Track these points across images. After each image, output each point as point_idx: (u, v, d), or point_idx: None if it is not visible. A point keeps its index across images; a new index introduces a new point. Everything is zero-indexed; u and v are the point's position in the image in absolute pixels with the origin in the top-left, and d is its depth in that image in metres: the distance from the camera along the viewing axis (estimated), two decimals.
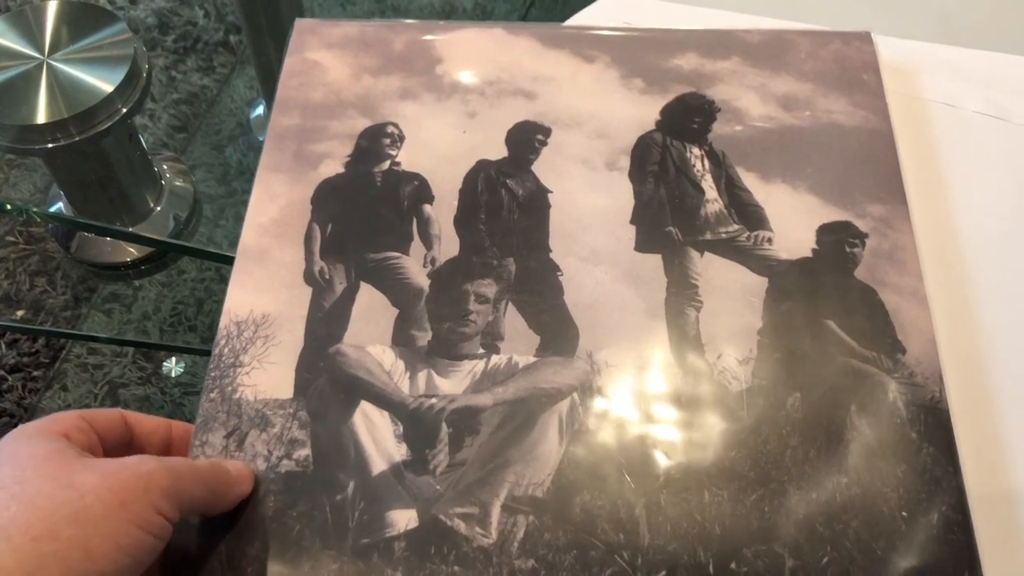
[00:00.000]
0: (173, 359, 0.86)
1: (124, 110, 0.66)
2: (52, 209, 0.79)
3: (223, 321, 0.45)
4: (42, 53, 0.67)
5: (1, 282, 0.91)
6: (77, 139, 0.64)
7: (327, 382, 0.42)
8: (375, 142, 0.51)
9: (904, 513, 0.38)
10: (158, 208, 0.79)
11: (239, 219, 0.88)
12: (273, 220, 0.48)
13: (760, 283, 0.45)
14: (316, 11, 1.14)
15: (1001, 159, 0.52)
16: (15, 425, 0.95)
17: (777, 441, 0.40)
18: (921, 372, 0.42)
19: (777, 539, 0.37)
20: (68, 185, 0.73)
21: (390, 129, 0.51)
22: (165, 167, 0.83)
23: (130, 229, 0.76)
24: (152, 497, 0.34)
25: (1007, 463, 0.41)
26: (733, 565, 0.37)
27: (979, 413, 0.42)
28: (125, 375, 0.89)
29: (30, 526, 0.32)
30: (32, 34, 0.68)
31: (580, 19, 0.60)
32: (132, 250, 0.79)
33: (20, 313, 0.90)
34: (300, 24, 0.56)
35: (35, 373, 0.93)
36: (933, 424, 0.40)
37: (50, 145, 0.64)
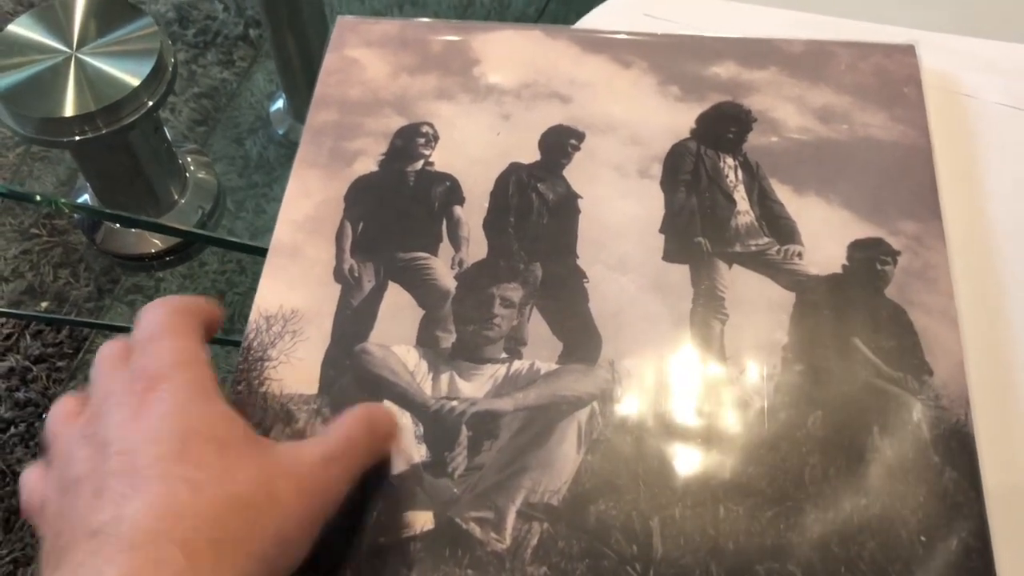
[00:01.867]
0: None
1: (150, 103, 0.68)
2: (78, 201, 0.81)
3: (253, 315, 0.45)
4: (70, 47, 0.69)
5: (25, 274, 0.93)
6: (104, 132, 0.66)
7: (352, 380, 0.43)
8: (410, 141, 0.51)
9: (923, 537, 0.38)
10: (183, 200, 0.81)
11: (259, 211, 0.90)
12: (307, 216, 0.49)
13: (788, 298, 0.44)
14: (335, 5, 1.15)
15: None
16: (40, 416, 0.97)
17: (796, 459, 0.39)
18: (947, 395, 0.41)
19: (791, 557, 0.37)
20: (95, 177, 0.75)
21: (425, 129, 0.52)
22: (189, 159, 0.84)
23: (155, 220, 0.77)
24: (340, 497, 0.33)
25: None
26: None
27: (1007, 438, 0.42)
28: None
29: (240, 541, 0.28)
30: (60, 28, 0.69)
31: (601, 11, 0.60)
32: (156, 241, 0.81)
33: (44, 304, 0.92)
34: (342, 22, 0.57)
35: (59, 363, 0.96)
36: (957, 448, 0.40)
37: (78, 138, 0.66)
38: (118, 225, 0.79)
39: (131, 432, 0.30)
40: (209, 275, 0.89)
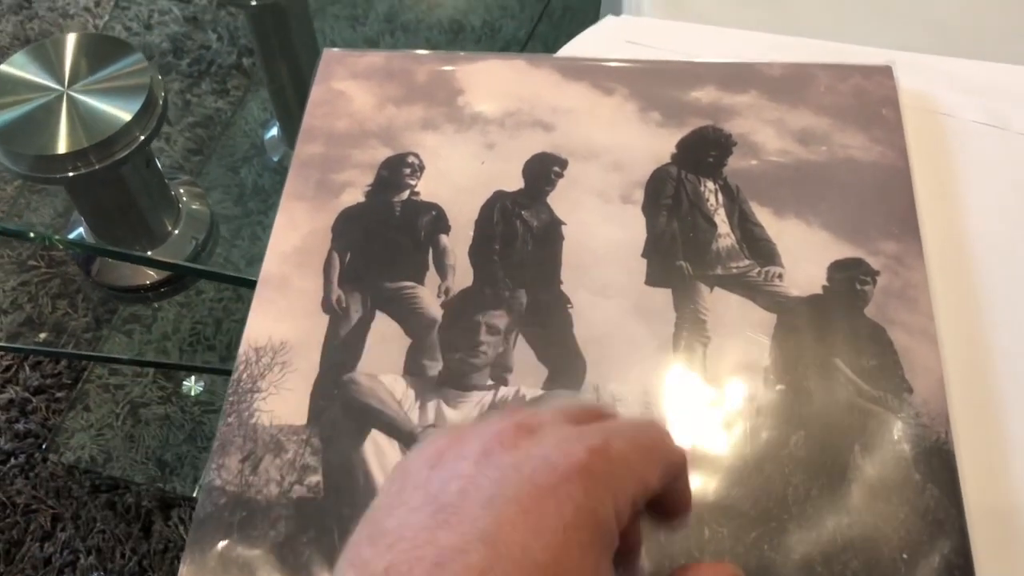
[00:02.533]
0: (192, 378, 0.88)
1: (142, 138, 0.69)
2: (73, 234, 0.82)
3: (242, 347, 0.46)
4: (62, 85, 0.70)
5: (24, 305, 0.94)
6: (97, 167, 0.67)
7: (340, 409, 0.43)
8: (395, 172, 0.52)
9: (905, 555, 0.38)
10: (176, 231, 0.82)
11: (255, 239, 0.91)
12: (295, 248, 0.50)
13: (769, 319, 0.45)
14: (327, 32, 1.16)
15: (1002, 168, 0.52)
16: (40, 446, 0.98)
17: (779, 479, 0.40)
18: (928, 412, 0.42)
19: None
20: (89, 212, 0.76)
21: (410, 159, 0.53)
22: (182, 191, 0.85)
23: (149, 253, 0.78)
24: None
25: (1014, 507, 0.41)
26: None
27: (987, 454, 0.42)
28: (146, 395, 0.92)
29: None
30: (52, 66, 0.71)
31: (584, 38, 0.61)
32: (152, 273, 0.82)
33: (43, 335, 0.93)
34: (328, 54, 0.58)
35: (58, 394, 0.97)
36: (938, 465, 0.40)
37: (71, 174, 0.67)
38: (112, 259, 0.80)
39: (510, 529, 0.25)
40: (206, 303, 0.90)
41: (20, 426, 0.98)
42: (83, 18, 1.43)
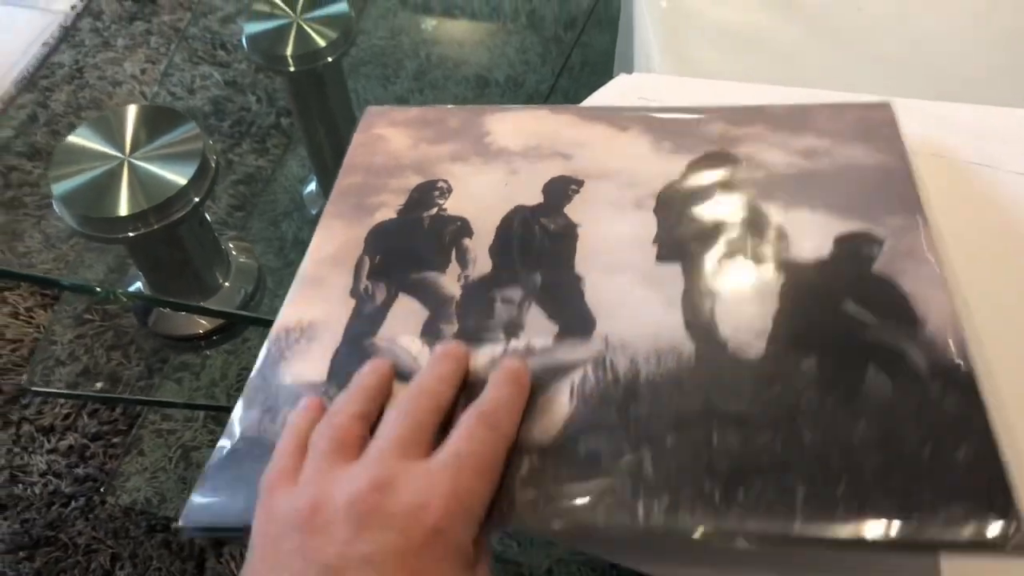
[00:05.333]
0: None
1: (196, 199, 0.76)
2: (131, 288, 0.87)
3: (274, 329, 0.49)
4: (123, 152, 0.79)
5: (81, 357, 0.99)
6: (156, 227, 0.74)
7: (357, 365, 0.45)
8: (426, 194, 0.56)
9: (927, 449, 0.37)
10: (227, 283, 0.87)
11: None
12: (330, 255, 0.53)
13: (777, 278, 0.46)
14: (360, 91, 1.23)
15: (996, 207, 0.53)
16: (98, 489, 0.99)
17: (792, 394, 0.40)
18: (941, 339, 0.41)
19: (789, 470, 0.37)
20: (147, 267, 0.82)
21: (440, 184, 0.57)
22: (231, 245, 0.91)
23: (202, 304, 0.83)
24: None
25: None
26: (741, 494, 0.36)
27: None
28: (197, 438, 0.94)
29: None
30: (114, 137, 0.80)
31: (598, 97, 0.65)
32: (204, 323, 0.86)
33: (99, 385, 0.97)
34: (370, 110, 0.64)
35: (114, 440, 1.00)
36: (957, 385, 0.39)
37: (132, 234, 0.73)
38: (168, 309, 0.85)
39: None
40: (252, 350, 0.93)
41: (80, 471, 1.02)
42: (130, 85, 1.53)
